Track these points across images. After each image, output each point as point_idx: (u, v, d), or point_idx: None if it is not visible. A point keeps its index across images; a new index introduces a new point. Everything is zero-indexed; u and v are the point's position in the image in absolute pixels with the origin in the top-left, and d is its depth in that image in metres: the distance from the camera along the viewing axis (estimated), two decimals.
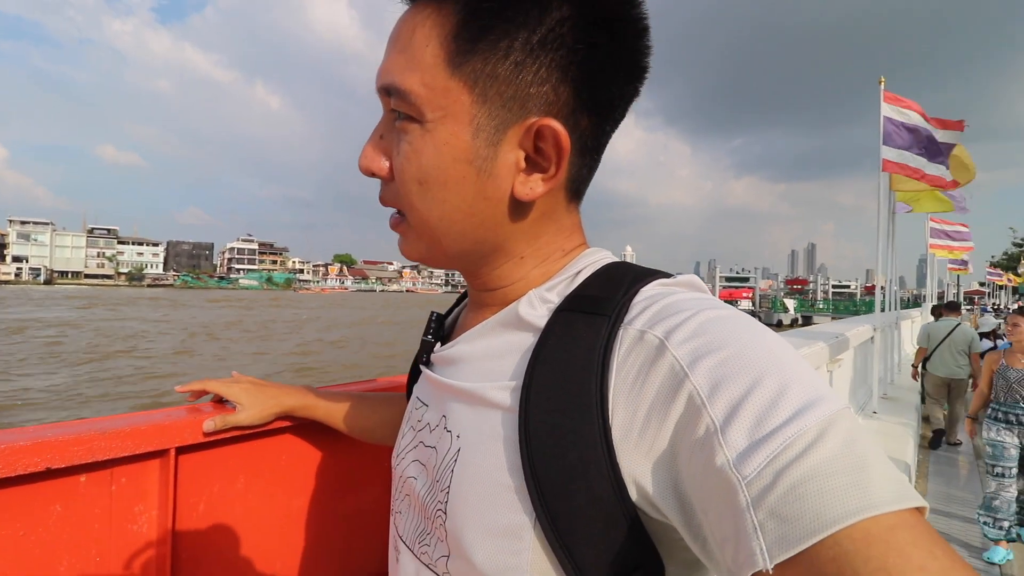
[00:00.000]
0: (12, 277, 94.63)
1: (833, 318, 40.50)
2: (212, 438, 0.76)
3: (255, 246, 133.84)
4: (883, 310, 5.86)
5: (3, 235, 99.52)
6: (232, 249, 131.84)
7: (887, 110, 4.94)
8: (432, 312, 0.59)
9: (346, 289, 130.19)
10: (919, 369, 6.04)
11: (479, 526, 0.42)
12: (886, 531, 0.27)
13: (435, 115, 0.41)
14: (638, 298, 0.41)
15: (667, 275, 0.45)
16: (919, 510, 0.29)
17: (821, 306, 43.88)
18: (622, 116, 0.46)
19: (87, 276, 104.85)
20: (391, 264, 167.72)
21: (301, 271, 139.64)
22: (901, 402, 5.80)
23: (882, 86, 4.96)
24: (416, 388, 0.58)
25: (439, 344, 0.56)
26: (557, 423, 0.39)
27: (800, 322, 38.56)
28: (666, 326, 0.37)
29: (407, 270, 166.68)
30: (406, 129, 0.43)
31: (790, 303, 40.42)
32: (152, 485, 0.75)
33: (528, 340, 0.44)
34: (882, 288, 5.89)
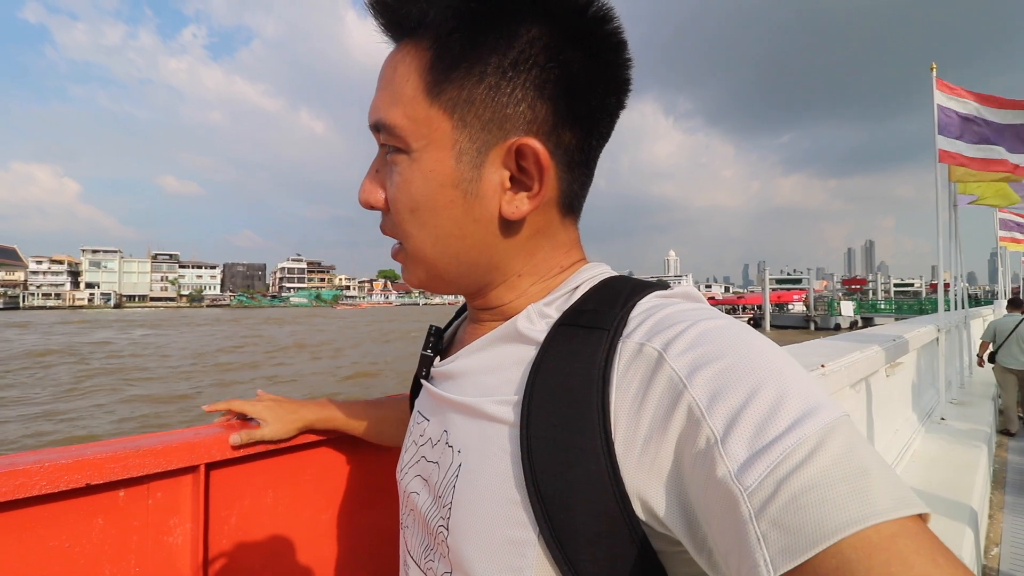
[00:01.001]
0: (86, 302, 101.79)
1: (896, 319, 38.11)
2: (241, 453, 0.79)
3: (304, 265, 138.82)
4: (948, 309, 5.50)
5: (77, 264, 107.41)
6: (283, 269, 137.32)
7: (940, 98, 4.66)
8: (431, 326, 0.59)
9: (390, 304, 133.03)
10: (986, 360, 6.07)
11: (482, 542, 0.41)
12: (888, 539, 0.27)
13: (419, 144, 0.43)
14: (636, 311, 0.42)
15: (665, 287, 0.46)
16: (922, 517, 0.29)
17: (882, 306, 41.24)
18: (609, 129, 0.47)
19: (152, 299, 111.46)
20: None
21: (348, 287, 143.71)
22: (973, 406, 5.39)
23: (934, 73, 4.69)
24: (418, 402, 0.58)
25: (438, 358, 0.56)
26: (559, 438, 0.39)
27: (860, 324, 36.41)
28: (664, 338, 0.38)
29: None
30: (396, 161, 0.45)
31: (847, 304, 38.04)
32: (185, 500, 0.78)
33: (528, 354, 0.44)
34: (947, 285, 5.55)
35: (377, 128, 0.45)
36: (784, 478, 0.29)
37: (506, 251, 0.47)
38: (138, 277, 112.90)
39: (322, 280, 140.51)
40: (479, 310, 0.52)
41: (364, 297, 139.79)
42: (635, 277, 0.48)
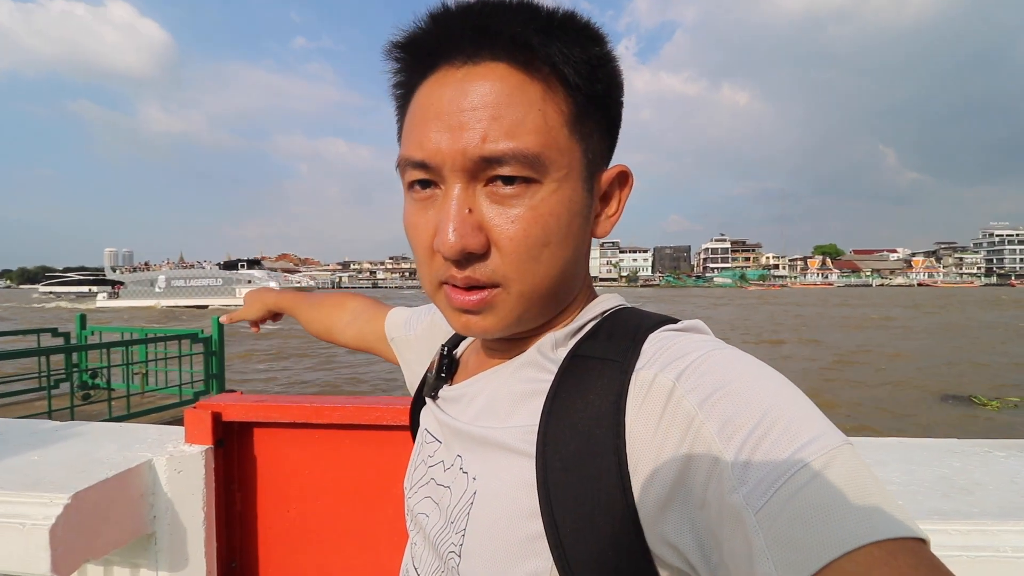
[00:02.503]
0: None
1: None
2: (376, 422, 1.17)
3: (727, 245, 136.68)
4: None
5: None
6: (706, 250, 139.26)
7: None
8: (442, 346, 0.60)
9: (830, 284, 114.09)
10: None
11: (495, 570, 0.42)
12: (888, 555, 0.28)
13: (560, 174, 0.43)
14: (648, 343, 0.43)
15: (673, 321, 0.47)
16: (924, 542, 0.30)
17: None
18: (614, 145, 0.51)
19: (601, 279, 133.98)
20: (894, 252, 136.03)
21: (776, 266, 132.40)
22: None
23: None
24: (424, 420, 0.59)
25: (449, 381, 0.57)
26: (575, 469, 0.39)
27: None
28: (676, 369, 0.39)
29: (918, 258, 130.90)
30: (520, 194, 0.42)
31: None
32: (385, 446, 1.20)
33: (544, 384, 0.45)
34: None
35: (499, 160, 0.41)
36: (791, 496, 0.31)
37: (581, 276, 0.50)
38: (594, 261, 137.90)
39: (747, 259, 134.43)
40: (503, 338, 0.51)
41: (796, 277, 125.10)
42: (645, 310, 0.49)
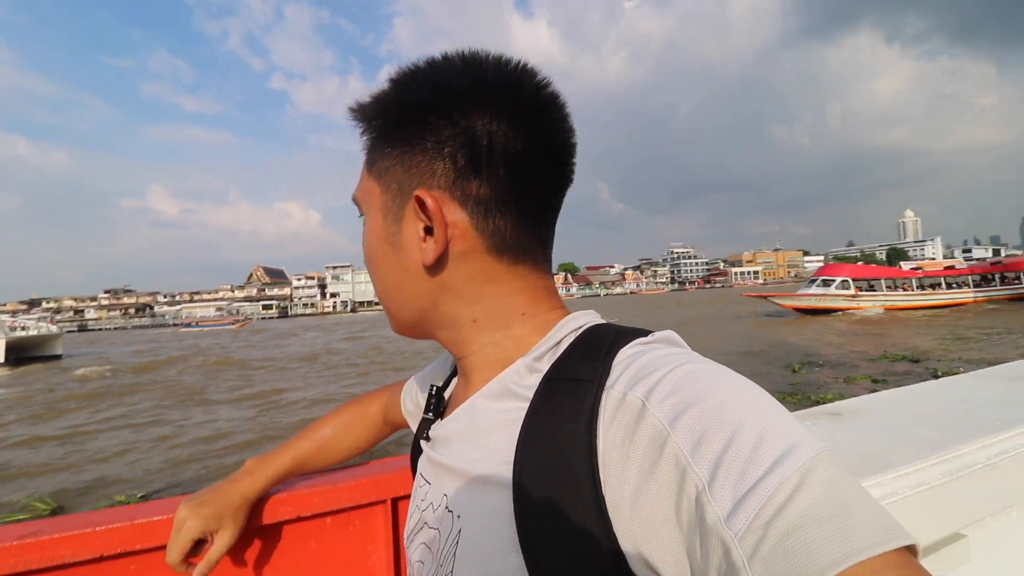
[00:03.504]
0: (331, 309, 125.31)
1: None
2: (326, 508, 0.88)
3: None
4: None
5: (323, 278, 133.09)
6: None
7: None
8: (432, 386, 0.60)
9: (572, 296, 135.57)
10: None
11: None
12: (872, 574, 0.28)
13: (366, 208, 0.53)
14: (617, 360, 0.43)
15: (645, 333, 0.46)
16: (909, 548, 0.30)
17: None
18: (518, 169, 0.47)
19: (376, 304, 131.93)
20: (612, 267, 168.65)
21: None
22: None
23: None
24: (420, 464, 0.59)
25: (439, 420, 0.57)
26: (550, 496, 0.39)
27: None
28: (645, 386, 0.39)
29: (628, 272, 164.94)
30: (363, 223, 0.54)
31: None
32: (379, 529, 0.91)
33: (518, 412, 0.45)
34: None
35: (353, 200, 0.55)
36: (769, 520, 0.30)
37: (444, 297, 0.50)
38: (366, 286, 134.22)
39: None
40: (459, 360, 0.54)
41: None
42: (619, 324, 0.49)
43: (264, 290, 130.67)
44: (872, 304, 26.59)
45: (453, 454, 0.50)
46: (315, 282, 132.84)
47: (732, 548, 0.31)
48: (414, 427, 0.73)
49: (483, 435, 0.47)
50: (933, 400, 1.37)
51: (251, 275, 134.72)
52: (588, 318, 0.50)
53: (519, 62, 0.49)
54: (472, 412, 0.50)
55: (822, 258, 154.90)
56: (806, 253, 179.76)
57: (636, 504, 0.36)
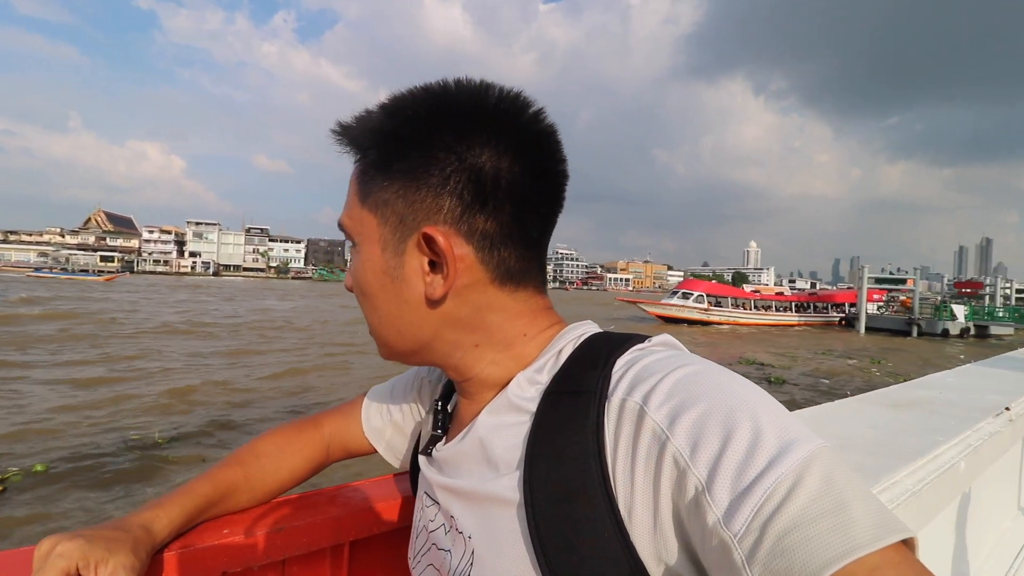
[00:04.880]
0: (189, 269, 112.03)
1: (1018, 329, 33.18)
2: (385, 529, 0.73)
3: None
4: None
5: (183, 234, 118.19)
6: None
7: None
8: (436, 400, 0.59)
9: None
10: None
11: None
12: (869, 571, 0.28)
13: (359, 239, 0.51)
14: (616, 367, 0.43)
15: (642, 339, 0.47)
16: (906, 542, 0.30)
17: (1001, 314, 35.97)
18: (543, 203, 0.49)
19: (245, 269, 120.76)
20: None
21: None
22: None
23: None
24: (422, 483, 0.57)
25: (444, 439, 0.56)
26: (564, 511, 0.39)
27: (972, 332, 32.18)
28: (643, 391, 0.39)
29: None
30: (352, 253, 0.53)
31: (959, 309, 33.55)
32: None
33: (522, 427, 0.45)
34: None
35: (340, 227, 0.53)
36: (768, 520, 0.31)
37: (445, 326, 0.49)
38: (233, 248, 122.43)
39: None
40: (462, 383, 0.54)
41: None
42: (617, 332, 0.49)
43: (105, 239, 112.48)
44: (721, 318, 30.76)
45: (459, 474, 0.50)
46: (172, 237, 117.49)
47: (732, 549, 0.31)
48: (379, 445, 0.71)
49: (489, 452, 0.47)
50: (846, 424, 1.62)
51: (89, 219, 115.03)
52: (586, 328, 0.51)
53: (518, 93, 0.48)
54: (476, 431, 0.49)
55: (683, 274, 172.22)
56: (670, 268, 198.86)
57: (645, 509, 0.37)
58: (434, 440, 0.56)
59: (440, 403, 0.58)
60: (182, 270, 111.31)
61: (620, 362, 0.43)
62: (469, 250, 0.47)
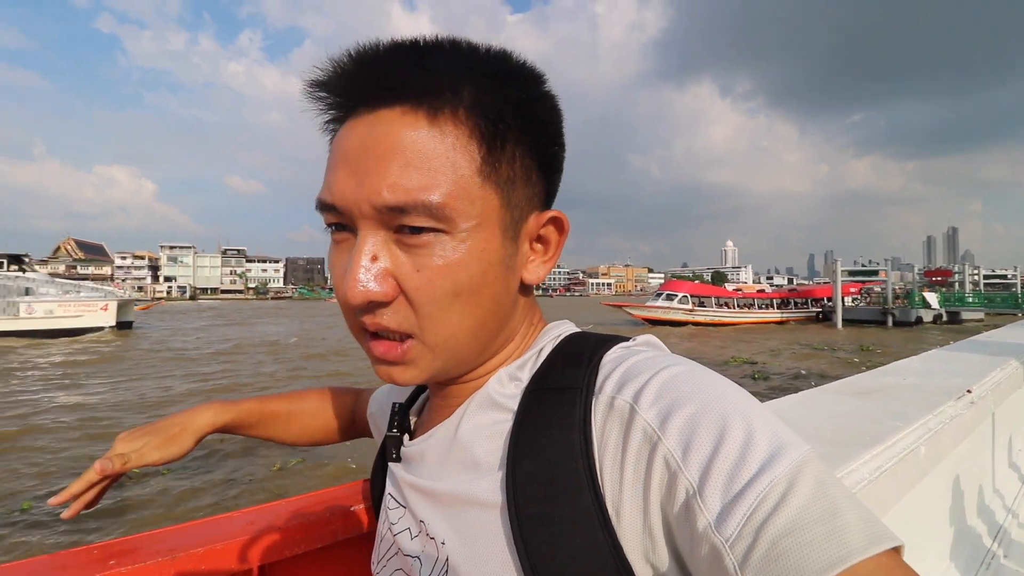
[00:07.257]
0: (164, 294, 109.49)
1: (988, 314, 34.17)
2: (305, 549, 0.70)
3: None
4: None
5: (156, 259, 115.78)
6: None
7: None
8: (394, 403, 0.56)
9: None
10: None
11: None
12: None
13: (469, 224, 0.40)
14: (603, 363, 0.42)
15: (625, 339, 0.46)
16: (896, 550, 0.30)
17: (971, 300, 37.08)
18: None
19: (223, 292, 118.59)
20: None
21: None
22: None
23: None
24: (388, 485, 0.55)
25: (407, 438, 0.53)
26: (550, 512, 0.37)
27: (944, 319, 32.99)
28: (633, 389, 0.38)
29: None
30: (428, 243, 0.40)
31: (932, 297, 34.40)
32: None
33: (503, 426, 0.43)
34: None
35: (401, 209, 0.39)
36: (761, 525, 0.30)
37: (515, 318, 0.47)
38: (210, 271, 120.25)
39: None
40: (448, 383, 0.49)
41: None
42: (596, 332, 0.48)
43: (76, 267, 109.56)
44: (706, 318, 30.95)
45: (431, 474, 0.47)
46: (146, 262, 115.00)
47: (723, 554, 0.30)
48: (375, 433, 0.71)
49: (465, 451, 0.44)
50: (807, 415, 1.60)
51: (59, 248, 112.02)
52: (565, 327, 0.49)
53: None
54: (451, 427, 0.47)
55: (663, 275, 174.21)
56: (651, 270, 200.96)
57: (635, 512, 0.36)
58: (396, 441, 0.53)
59: (399, 405, 0.56)
60: (157, 295, 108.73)
61: (608, 358, 0.42)
62: (568, 232, 0.47)
